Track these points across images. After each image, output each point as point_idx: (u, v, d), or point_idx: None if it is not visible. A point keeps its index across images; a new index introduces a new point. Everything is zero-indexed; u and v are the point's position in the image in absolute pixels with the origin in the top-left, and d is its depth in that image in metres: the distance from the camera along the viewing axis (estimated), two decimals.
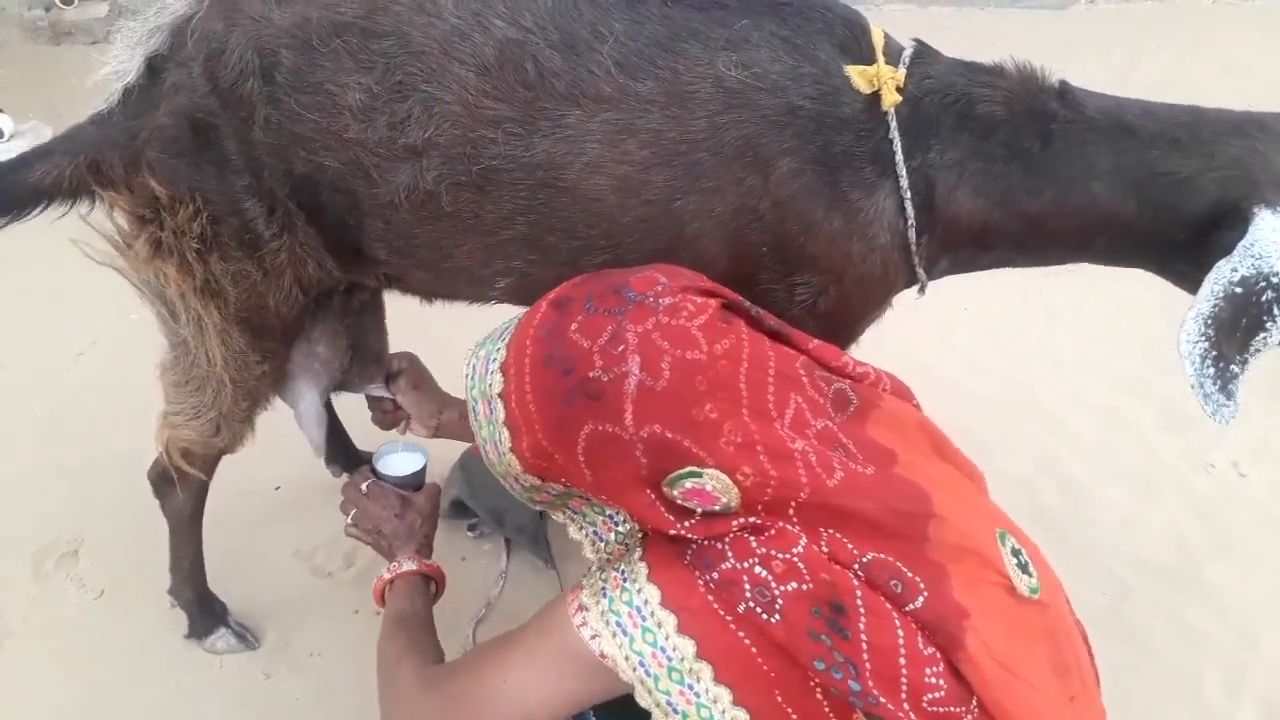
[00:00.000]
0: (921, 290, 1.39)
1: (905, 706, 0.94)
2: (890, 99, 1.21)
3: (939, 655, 0.96)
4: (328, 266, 1.36)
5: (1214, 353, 1.12)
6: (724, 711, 0.97)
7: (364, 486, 1.47)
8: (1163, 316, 2.52)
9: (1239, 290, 1.12)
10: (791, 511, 0.99)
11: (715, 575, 0.97)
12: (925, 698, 0.95)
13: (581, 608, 1.03)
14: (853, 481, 1.01)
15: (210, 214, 1.27)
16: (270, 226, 1.29)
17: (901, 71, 1.23)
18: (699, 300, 1.03)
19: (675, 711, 0.98)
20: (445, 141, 1.21)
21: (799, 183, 1.23)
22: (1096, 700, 1.14)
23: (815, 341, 1.15)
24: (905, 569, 0.98)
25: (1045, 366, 2.50)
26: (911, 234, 1.28)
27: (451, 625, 1.75)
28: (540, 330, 1.02)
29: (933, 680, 0.95)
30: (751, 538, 0.98)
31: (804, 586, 0.95)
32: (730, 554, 0.98)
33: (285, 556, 1.97)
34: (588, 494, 1.07)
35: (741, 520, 0.99)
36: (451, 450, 1.97)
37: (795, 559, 0.97)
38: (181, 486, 1.58)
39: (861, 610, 0.95)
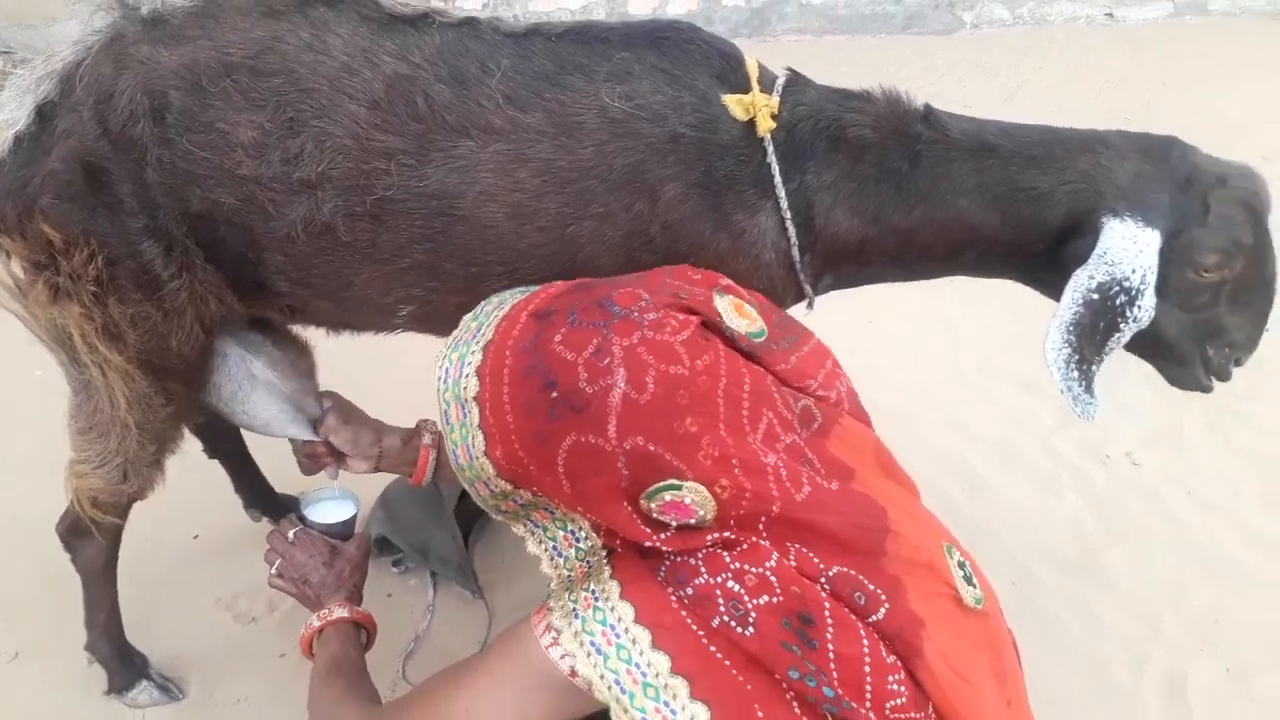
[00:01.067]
0: (809, 306, 1.45)
1: (871, 713, 0.97)
2: (765, 125, 1.28)
3: (899, 664, 1.00)
4: (228, 302, 1.36)
5: (1076, 356, 1.22)
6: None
7: (291, 534, 1.46)
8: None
9: (1096, 296, 1.21)
10: (762, 526, 1.03)
11: (689, 590, 0.99)
12: (888, 704, 0.99)
13: (550, 628, 1.03)
14: (819, 496, 1.05)
15: (106, 257, 1.27)
16: (169, 267, 1.30)
17: (775, 99, 1.30)
18: (681, 317, 1.06)
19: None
20: (339, 174, 1.24)
21: (685, 207, 1.29)
22: (1027, 706, 1.20)
23: (785, 365, 1.19)
24: (867, 582, 1.02)
25: (946, 373, 2.60)
26: (795, 252, 1.34)
27: (382, 661, 1.75)
28: (521, 341, 1.03)
29: (895, 688, 0.99)
30: (725, 553, 1.01)
31: (775, 599, 0.98)
32: (704, 569, 1.00)
33: (206, 604, 1.94)
34: (558, 505, 1.08)
35: (715, 535, 1.02)
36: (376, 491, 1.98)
37: (767, 573, 1.00)
38: (97, 534, 1.55)
39: (829, 621, 0.99)
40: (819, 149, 1.32)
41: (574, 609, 1.03)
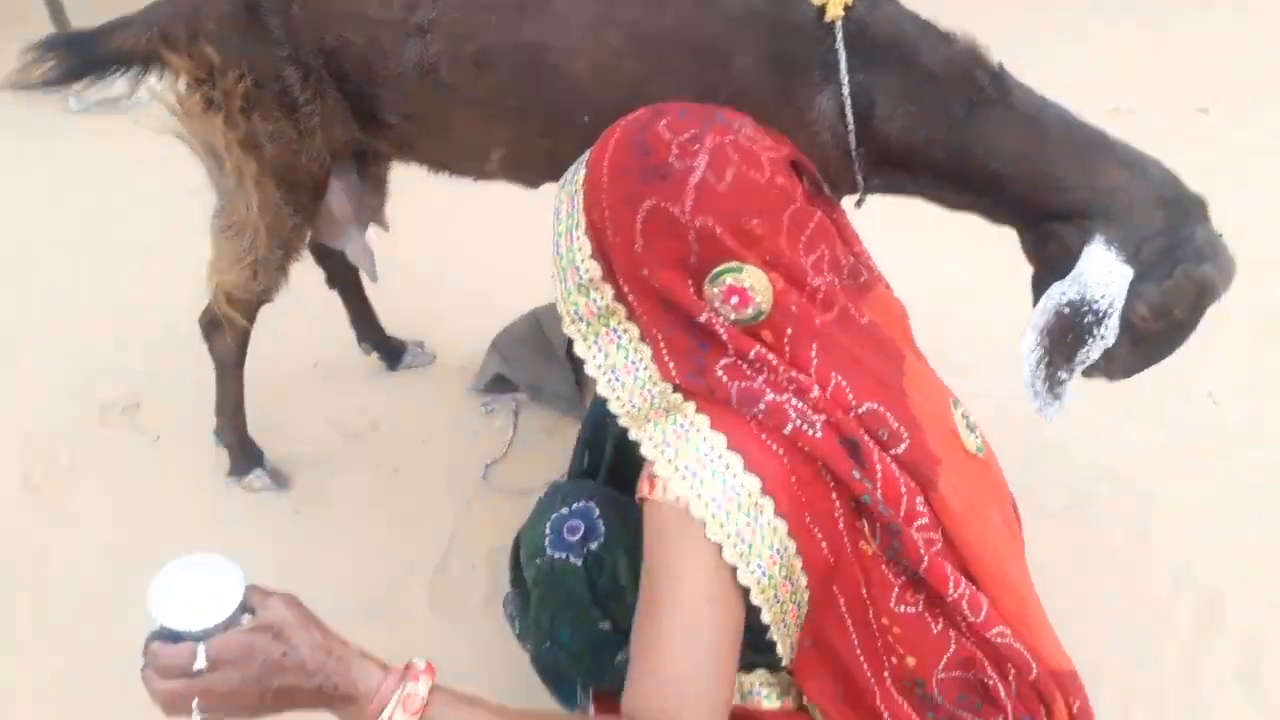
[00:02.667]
0: (859, 203, 1.52)
1: (916, 534, 1.08)
2: (835, 10, 1.34)
3: (919, 490, 1.09)
4: (350, 129, 1.57)
5: (1046, 359, 1.33)
6: (781, 540, 1.03)
7: (197, 665, 0.84)
8: None
9: (1067, 311, 1.30)
10: (814, 350, 1.10)
11: (762, 406, 1.06)
12: (916, 523, 1.08)
13: (651, 476, 1.07)
14: (849, 324, 1.14)
15: (254, 79, 1.50)
16: (304, 91, 1.51)
17: None
18: (774, 142, 1.16)
19: (744, 542, 1.02)
20: (448, 22, 1.40)
21: (754, 77, 1.38)
22: (1024, 560, 1.26)
23: (844, 221, 1.29)
24: (891, 419, 1.11)
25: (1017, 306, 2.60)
26: (851, 139, 1.40)
27: (466, 476, 1.97)
28: (633, 123, 1.13)
29: (920, 509, 1.08)
30: (781, 380, 1.08)
31: (831, 419, 1.07)
32: (768, 390, 1.07)
33: (318, 422, 2.20)
34: (631, 313, 1.13)
35: (769, 339, 1.10)
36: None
37: (819, 398, 1.08)
38: (229, 330, 1.81)
39: (874, 454, 1.08)
40: (888, 59, 1.38)
41: (665, 440, 1.08)
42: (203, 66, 1.51)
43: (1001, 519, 1.21)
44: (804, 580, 1.06)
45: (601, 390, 1.17)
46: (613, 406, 1.14)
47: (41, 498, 2.02)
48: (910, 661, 1.10)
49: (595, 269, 1.13)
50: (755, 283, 1.08)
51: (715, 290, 1.08)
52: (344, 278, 2.11)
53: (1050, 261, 1.38)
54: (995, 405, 2.21)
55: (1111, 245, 1.30)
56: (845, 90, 1.37)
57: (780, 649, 1.08)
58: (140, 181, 2.91)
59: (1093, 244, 1.30)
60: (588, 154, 1.16)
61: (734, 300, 1.08)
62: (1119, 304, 1.29)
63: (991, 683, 1.10)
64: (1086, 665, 1.22)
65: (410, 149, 1.64)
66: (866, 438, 1.08)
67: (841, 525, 1.07)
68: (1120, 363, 1.40)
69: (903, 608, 1.10)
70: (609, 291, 1.14)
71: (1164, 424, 2.23)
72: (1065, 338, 1.31)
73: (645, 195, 1.07)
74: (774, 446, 1.05)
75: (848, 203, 1.53)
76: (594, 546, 1.24)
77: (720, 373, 1.08)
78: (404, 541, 1.92)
